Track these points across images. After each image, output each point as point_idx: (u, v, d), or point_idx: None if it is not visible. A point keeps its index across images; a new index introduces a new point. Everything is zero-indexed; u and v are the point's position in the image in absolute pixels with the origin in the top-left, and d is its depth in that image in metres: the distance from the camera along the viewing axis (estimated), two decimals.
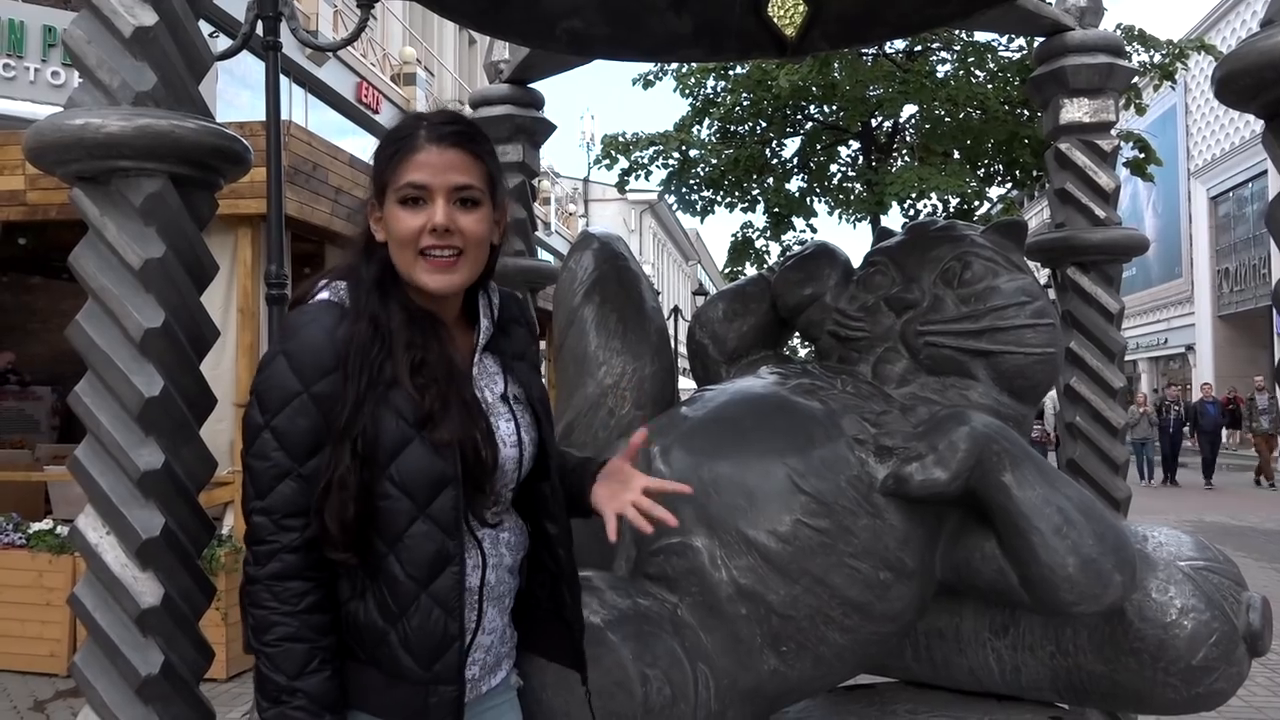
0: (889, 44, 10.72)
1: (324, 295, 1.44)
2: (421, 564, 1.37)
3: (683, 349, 3.19)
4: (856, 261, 2.63)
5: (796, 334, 2.77)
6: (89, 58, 1.57)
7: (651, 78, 11.40)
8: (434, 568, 1.38)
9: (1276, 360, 3.90)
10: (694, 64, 11.13)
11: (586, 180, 33.26)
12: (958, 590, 2.26)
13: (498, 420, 1.49)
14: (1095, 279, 2.90)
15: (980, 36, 10.51)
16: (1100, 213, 2.90)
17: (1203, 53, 10.83)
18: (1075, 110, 2.92)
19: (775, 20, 2.98)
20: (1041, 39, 3.02)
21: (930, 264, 2.44)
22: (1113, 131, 2.97)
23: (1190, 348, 32.76)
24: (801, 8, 2.95)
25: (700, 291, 29.57)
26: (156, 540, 1.54)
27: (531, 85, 3.33)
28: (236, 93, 13.37)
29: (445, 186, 1.41)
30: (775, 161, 11.63)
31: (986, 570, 2.14)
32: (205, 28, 1.83)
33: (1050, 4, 2.98)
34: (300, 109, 14.65)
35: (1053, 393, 3.02)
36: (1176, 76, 11.03)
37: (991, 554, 2.13)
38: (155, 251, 1.56)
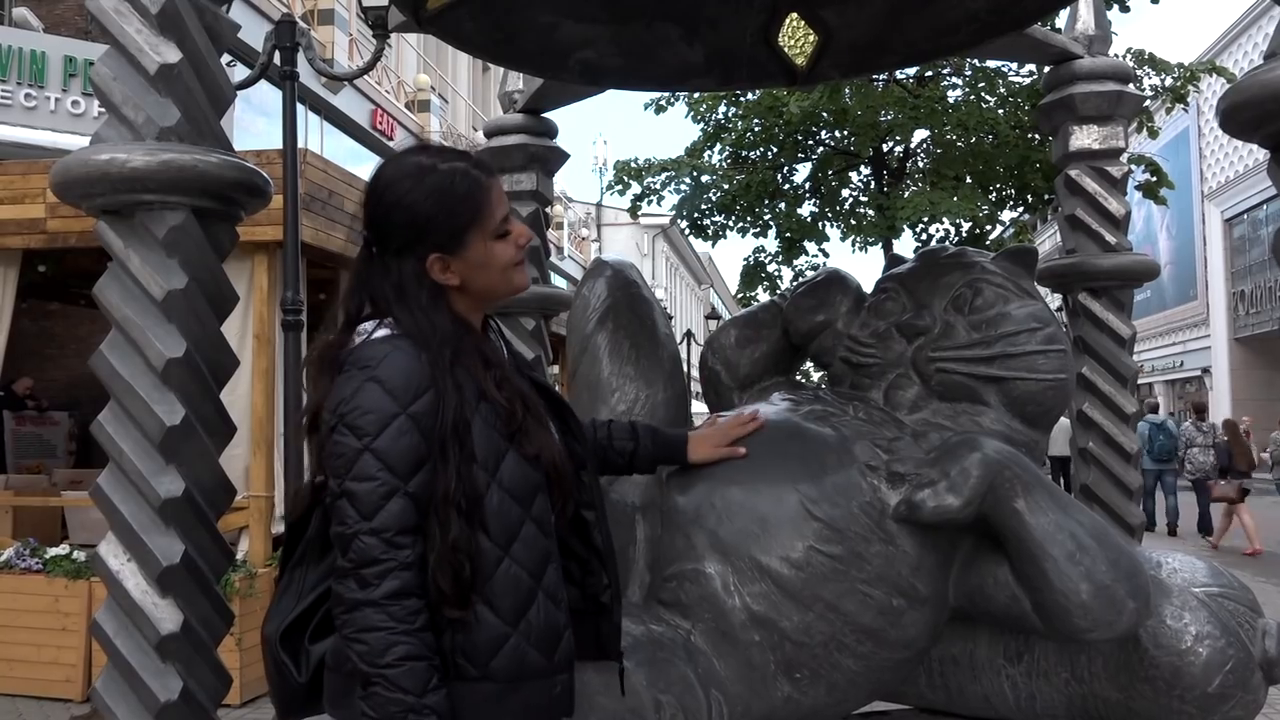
0: (900, 70, 10.77)
1: (385, 331, 1.47)
2: (536, 562, 1.46)
3: (695, 373, 3.20)
4: (868, 287, 2.64)
5: (809, 360, 2.78)
6: (114, 94, 1.61)
7: (664, 103, 11.42)
8: (542, 564, 1.47)
9: None
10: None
11: (599, 205, 33.36)
12: (972, 616, 2.25)
13: None
14: (1106, 304, 2.91)
15: (991, 62, 10.53)
16: (1111, 238, 2.91)
17: (1215, 75, 10.84)
18: (1084, 137, 2.94)
19: (786, 49, 3.01)
20: (1050, 67, 3.05)
21: (941, 290, 2.44)
22: (1122, 157, 2.98)
23: (1207, 370, 32.55)
24: (812, 37, 2.98)
25: (713, 315, 29.55)
26: (176, 567, 1.56)
27: (545, 114, 3.37)
28: (253, 120, 13.50)
29: (508, 210, 1.56)
30: (787, 186, 11.65)
31: (1000, 596, 2.13)
32: (223, 58, 1.87)
33: (1058, 32, 3.01)
34: (316, 136, 14.76)
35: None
36: (1189, 99, 11.03)
37: (1004, 580, 2.12)
38: (177, 283, 1.59)
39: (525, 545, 1.45)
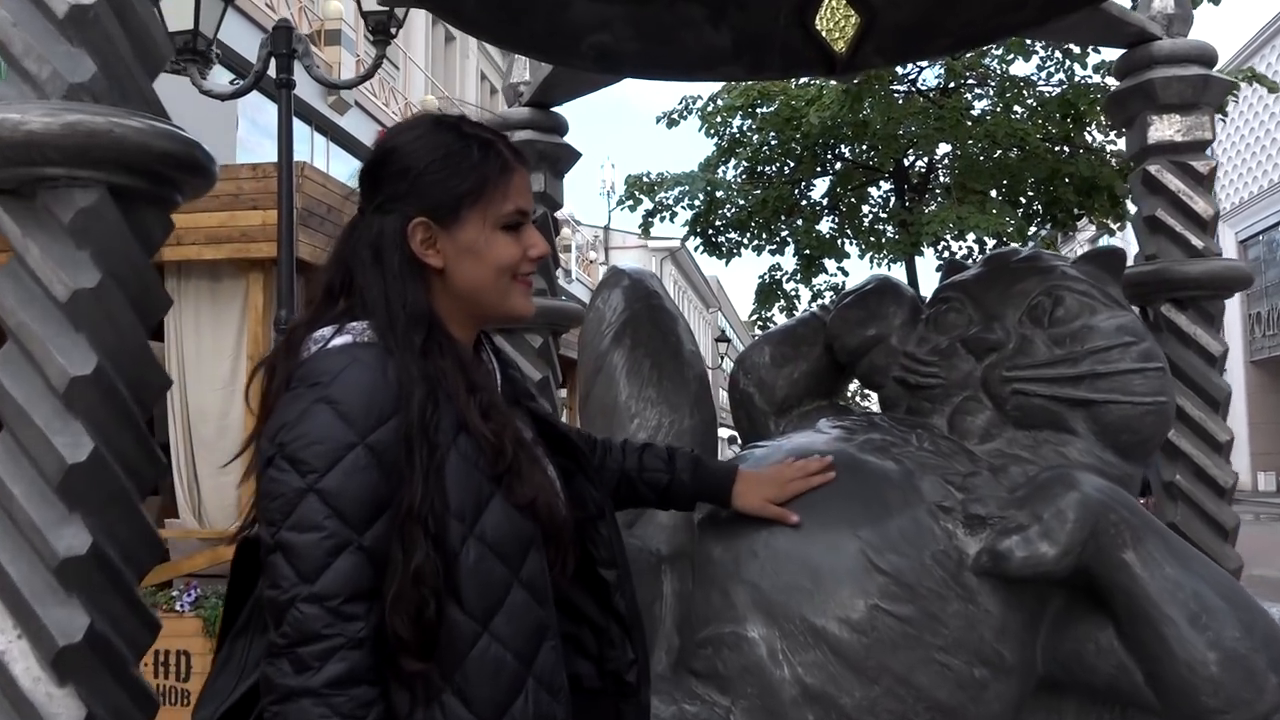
0: (922, 81, 10.46)
1: (344, 340, 1.17)
2: (525, 638, 1.17)
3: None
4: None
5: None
6: (14, 44, 1.29)
7: (675, 116, 11.17)
8: (534, 642, 1.18)
9: None
10: (719, 102, 10.91)
11: (607, 228, 33.22)
12: (1063, 685, 1.89)
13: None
14: (1194, 317, 2.56)
15: (1018, 70, 10.22)
16: (1197, 242, 2.57)
17: (1254, 84, 10.48)
18: (1166, 128, 2.60)
19: (823, 34, 2.70)
20: (1123, 50, 2.71)
21: (1015, 300, 2.11)
22: (1209, 150, 2.64)
23: None
24: (853, 18, 2.67)
25: (722, 338, 29.35)
26: (79, 646, 1.21)
27: (554, 109, 3.05)
28: (259, 141, 13.35)
29: (531, 209, 1.32)
30: (804, 202, 11.33)
31: (1104, 666, 1.78)
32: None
33: (1134, 11, 2.68)
34: (321, 156, 14.63)
35: None
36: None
37: (1108, 646, 1.77)
38: (87, 280, 1.25)
39: (511, 617, 1.15)
